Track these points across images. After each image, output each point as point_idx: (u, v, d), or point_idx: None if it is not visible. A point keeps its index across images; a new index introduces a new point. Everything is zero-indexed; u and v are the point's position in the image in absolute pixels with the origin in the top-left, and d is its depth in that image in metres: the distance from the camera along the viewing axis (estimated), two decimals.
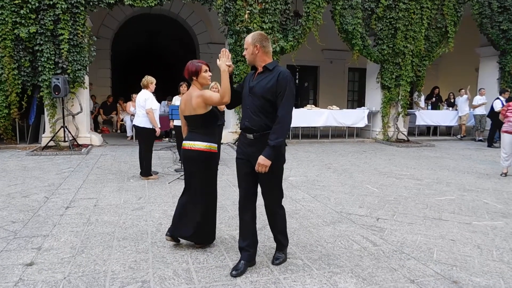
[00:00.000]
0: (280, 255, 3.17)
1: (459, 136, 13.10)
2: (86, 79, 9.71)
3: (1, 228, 3.87)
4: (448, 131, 14.05)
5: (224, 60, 2.95)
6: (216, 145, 3.38)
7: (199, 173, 3.33)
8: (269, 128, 2.82)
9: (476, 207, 4.89)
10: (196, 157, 3.31)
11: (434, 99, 14.23)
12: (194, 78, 3.32)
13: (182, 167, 6.47)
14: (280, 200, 3.09)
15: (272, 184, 2.98)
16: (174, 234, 3.43)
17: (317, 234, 3.84)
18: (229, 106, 3.22)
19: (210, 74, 3.40)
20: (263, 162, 2.76)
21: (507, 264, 3.21)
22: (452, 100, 14.07)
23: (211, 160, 3.36)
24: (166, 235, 3.46)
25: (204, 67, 3.33)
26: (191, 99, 3.29)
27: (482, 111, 12.39)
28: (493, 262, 3.24)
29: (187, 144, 3.34)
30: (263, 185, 3.00)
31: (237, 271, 2.91)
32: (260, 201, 3.10)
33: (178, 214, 3.41)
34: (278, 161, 2.88)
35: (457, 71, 17.18)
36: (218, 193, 5.40)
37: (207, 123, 3.34)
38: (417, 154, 9.58)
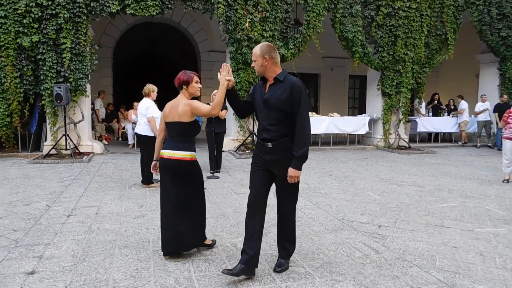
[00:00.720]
0: (283, 262, 3.16)
1: (460, 143, 13.10)
2: (88, 87, 9.75)
3: (2, 236, 3.87)
4: (450, 138, 14.05)
5: (225, 75, 3.01)
6: (195, 153, 3.40)
7: (184, 182, 3.33)
8: (286, 136, 2.92)
9: (478, 214, 4.87)
10: (178, 166, 3.30)
11: (436, 101, 14.22)
12: (185, 87, 3.39)
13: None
14: (295, 204, 3.19)
15: (291, 190, 3.07)
16: (180, 250, 3.40)
17: (319, 241, 3.83)
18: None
19: (200, 86, 3.47)
20: (294, 174, 2.89)
21: (510, 271, 3.19)
22: (452, 107, 14.10)
23: (194, 168, 3.40)
24: (165, 255, 3.38)
25: (196, 78, 3.41)
26: (177, 106, 3.34)
27: (485, 117, 12.37)
28: (496, 269, 3.22)
29: (166, 153, 3.33)
30: (281, 190, 3.10)
31: (229, 271, 2.87)
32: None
33: (174, 230, 3.32)
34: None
35: (458, 78, 17.23)
36: (219, 201, 5.39)
37: (189, 132, 3.39)
38: (419, 160, 9.57)
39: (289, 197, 3.12)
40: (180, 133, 3.35)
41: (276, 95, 2.92)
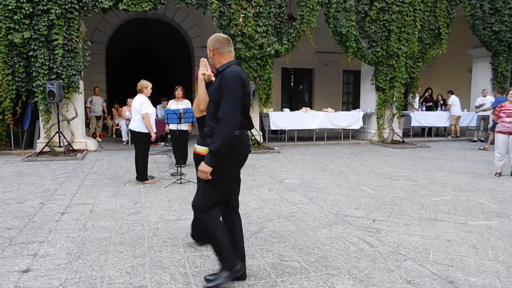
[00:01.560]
0: (211, 277, 2.82)
1: (449, 137, 13.25)
2: (81, 84, 9.68)
3: None
4: (443, 132, 14.16)
5: (201, 70, 2.98)
6: None
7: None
8: None
9: (471, 207, 4.92)
10: (196, 160, 3.37)
11: (427, 95, 14.31)
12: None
13: (178, 171, 6.48)
14: (204, 204, 2.75)
15: (201, 184, 2.79)
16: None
17: (313, 236, 3.85)
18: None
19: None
20: (201, 168, 2.61)
21: (502, 263, 3.24)
22: (441, 102, 14.21)
23: None
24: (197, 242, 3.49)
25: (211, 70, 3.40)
26: None
27: (486, 111, 12.39)
28: (488, 262, 3.26)
29: (194, 147, 3.44)
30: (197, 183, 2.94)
31: (210, 277, 2.81)
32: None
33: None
34: (218, 166, 2.64)
35: (451, 72, 17.31)
36: None
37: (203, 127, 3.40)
38: (412, 155, 9.63)
39: (198, 191, 2.88)
40: (200, 128, 3.43)
41: (211, 87, 2.83)
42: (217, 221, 2.79)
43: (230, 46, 2.85)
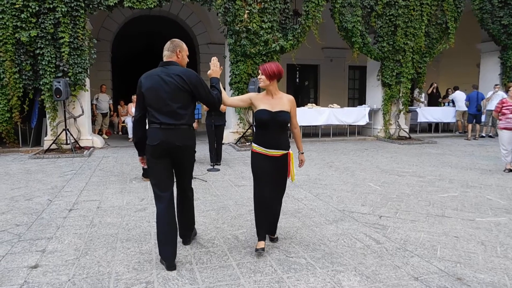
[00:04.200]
0: None
1: (457, 133, 13.14)
2: (87, 81, 9.72)
3: (5, 231, 3.89)
4: (450, 128, 14.04)
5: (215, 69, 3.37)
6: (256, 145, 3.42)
7: None
8: None
9: (479, 204, 4.88)
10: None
11: (433, 90, 14.26)
12: None
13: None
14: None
15: None
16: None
17: (320, 232, 3.84)
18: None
19: (260, 77, 3.33)
20: None
21: (511, 260, 3.20)
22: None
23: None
24: None
25: (259, 71, 3.39)
26: None
27: (493, 107, 12.20)
28: (497, 259, 3.23)
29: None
30: None
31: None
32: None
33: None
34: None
35: (458, 67, 17.14)
36: (220, 193, 5.40)
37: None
38: (419, 151, 9.57)
39: None
40: None
41: None
42: (158, 209, 3.09)
43: (165, 50, 3.27)
